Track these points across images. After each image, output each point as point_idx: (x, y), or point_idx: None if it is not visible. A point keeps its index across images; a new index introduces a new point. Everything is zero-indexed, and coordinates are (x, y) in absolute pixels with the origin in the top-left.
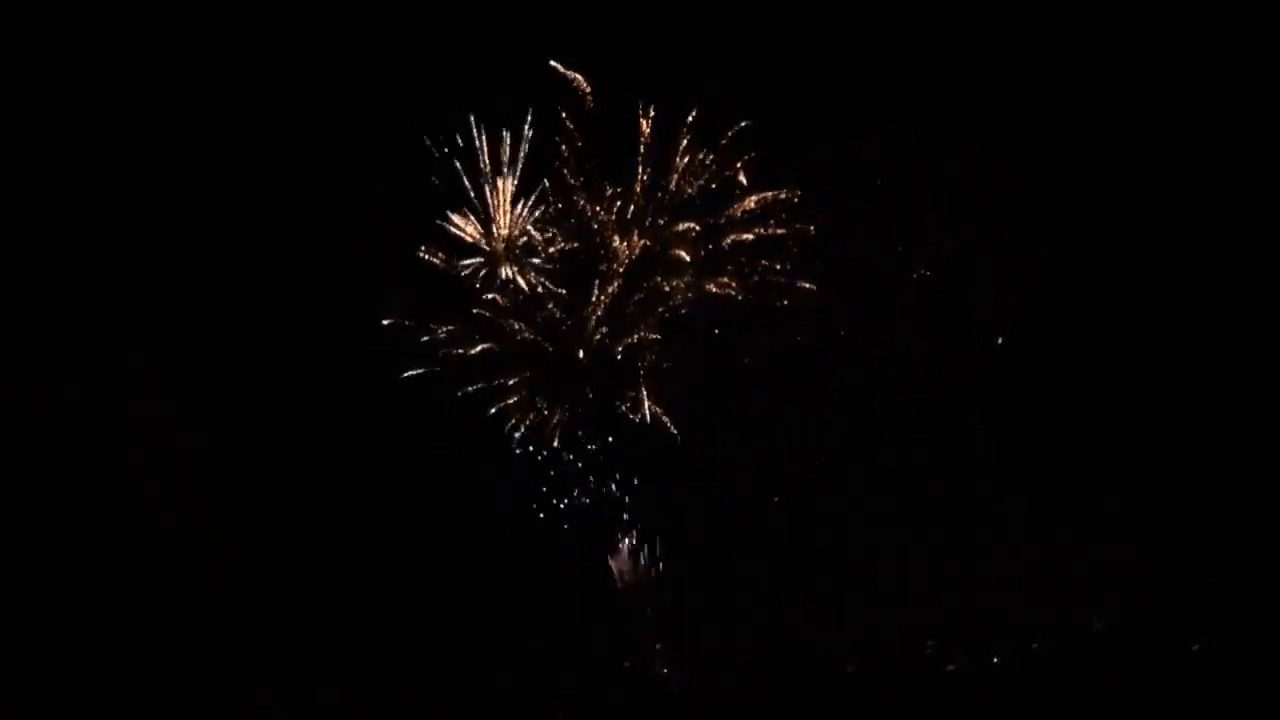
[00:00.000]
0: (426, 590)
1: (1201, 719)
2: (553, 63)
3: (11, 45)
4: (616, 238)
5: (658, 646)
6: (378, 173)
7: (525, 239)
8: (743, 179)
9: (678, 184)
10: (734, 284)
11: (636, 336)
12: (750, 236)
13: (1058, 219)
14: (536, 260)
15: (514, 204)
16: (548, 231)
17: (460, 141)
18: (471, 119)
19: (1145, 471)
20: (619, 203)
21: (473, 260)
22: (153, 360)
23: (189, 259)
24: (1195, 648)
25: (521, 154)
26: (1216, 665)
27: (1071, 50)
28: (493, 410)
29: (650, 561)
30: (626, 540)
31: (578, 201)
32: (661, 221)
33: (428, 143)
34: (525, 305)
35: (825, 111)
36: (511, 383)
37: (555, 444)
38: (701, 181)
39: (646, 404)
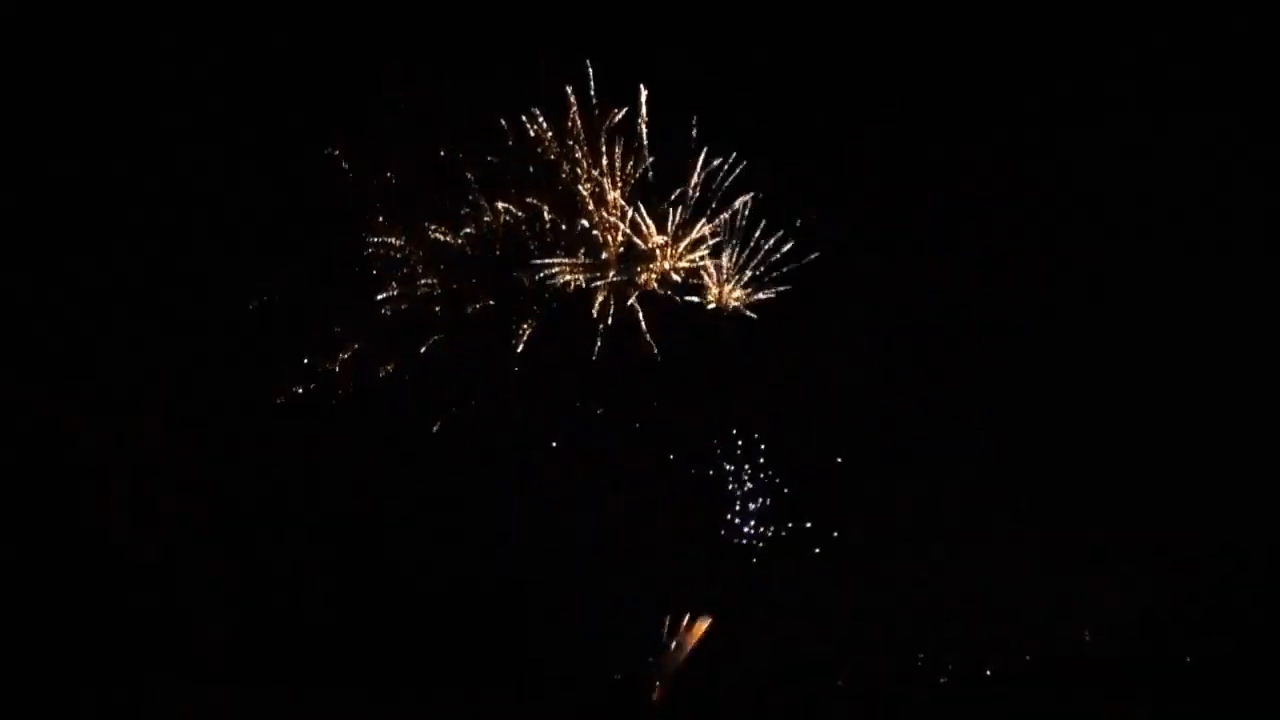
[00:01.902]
0: (426, 593)
1: None
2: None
3: (11, 45)
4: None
5: (650, 659)
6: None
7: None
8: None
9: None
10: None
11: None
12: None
13: (1058, 219)
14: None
15: None
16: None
17: None
18: None
19: (1140, 480)
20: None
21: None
22: (142, 364)
23: (184, 260)
24: (1188, 659)
25: None
26: (1209, 676)
27: (1071, 51)
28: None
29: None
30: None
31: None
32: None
33: None
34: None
35: (825, 111)
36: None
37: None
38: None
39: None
